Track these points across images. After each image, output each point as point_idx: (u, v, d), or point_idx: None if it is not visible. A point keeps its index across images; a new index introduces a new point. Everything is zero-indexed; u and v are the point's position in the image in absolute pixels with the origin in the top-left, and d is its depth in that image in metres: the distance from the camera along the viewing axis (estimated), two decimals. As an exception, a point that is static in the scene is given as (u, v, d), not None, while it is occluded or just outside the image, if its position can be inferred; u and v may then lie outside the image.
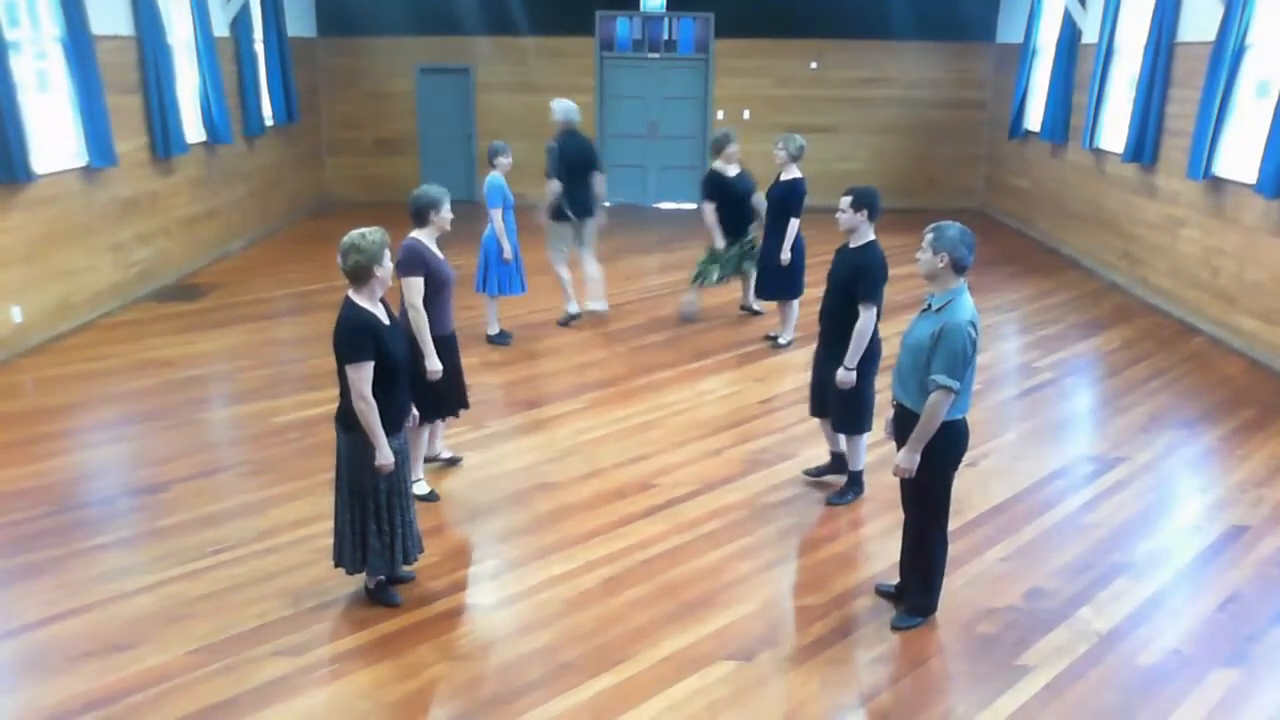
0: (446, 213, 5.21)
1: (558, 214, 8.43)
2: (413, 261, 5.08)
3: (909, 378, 4.11)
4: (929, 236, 4.03)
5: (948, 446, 4.08)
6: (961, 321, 3.93)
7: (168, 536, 5.04)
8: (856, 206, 5.13)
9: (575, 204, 8.38)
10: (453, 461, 5.88)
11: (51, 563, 4.77)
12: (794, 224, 7.72)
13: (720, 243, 8.39)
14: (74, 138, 8.44)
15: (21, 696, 3.85)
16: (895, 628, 4.33)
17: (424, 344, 5.06)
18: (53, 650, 4.12)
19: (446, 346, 5.30)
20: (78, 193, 8.47)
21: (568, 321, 8.73)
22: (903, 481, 4.23)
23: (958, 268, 3.99)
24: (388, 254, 4.09)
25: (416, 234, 5.19)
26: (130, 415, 6.65)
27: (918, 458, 4.07)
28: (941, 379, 3.91)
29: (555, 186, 8.32)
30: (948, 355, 3.91)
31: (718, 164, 8.38)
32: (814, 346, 5.62)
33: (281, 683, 3.93)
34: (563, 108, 8.36)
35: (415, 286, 5.07)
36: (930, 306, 4.07)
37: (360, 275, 4.04)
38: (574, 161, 8.30)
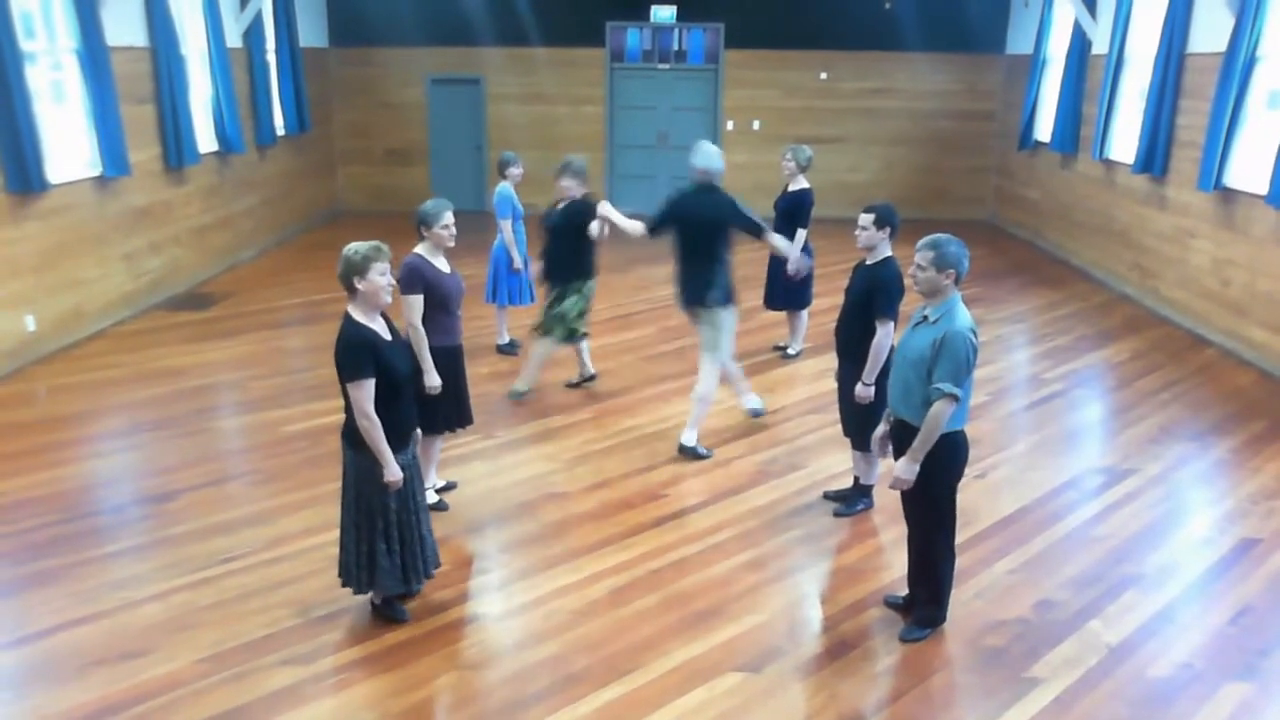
0: (441, 228, 5.07)
1: None
2: (410, 279, 5.04)
3: (913, 391, 4.09)
4: (929, 255, 4.01)
5: (949, 459, 4.09)
6: (963, 329, 3.94)
7: (177, 545, 5.06)
8: (880, 225, 5.07)
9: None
10: (447, 488, 5.71)
11: (62, 570, 4.80)
12: (801, 234, 7.72)
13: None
14: (88, 147, 8.50)
15: (31, 704, 3.87)
16: (904, 640, 4.32)
17: (423, 361, 5.01)
18: (62, 658, 4.14)
19: (452, 358, 5.27)
20: (91, 202, 8.53)
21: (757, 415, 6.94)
22: (905, 496, 4.22)
23: (958, 280, 4.03)
24: (375, 268, 3.98)
25: (418, 249, 5.14)
26: (141, 424, 6.68)
27: (917, 468, 4.06)
28: (946, 386, 3.91)
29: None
30: (951, 363, 3.92)
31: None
32: (822, 357, 5.60)
33: (289, 692, 3.94)
34: (702, 154, 6.22)
35: (413, 304, 5.02)
36: (928, 319, 4.07)
37: (346, 286, 4.03)
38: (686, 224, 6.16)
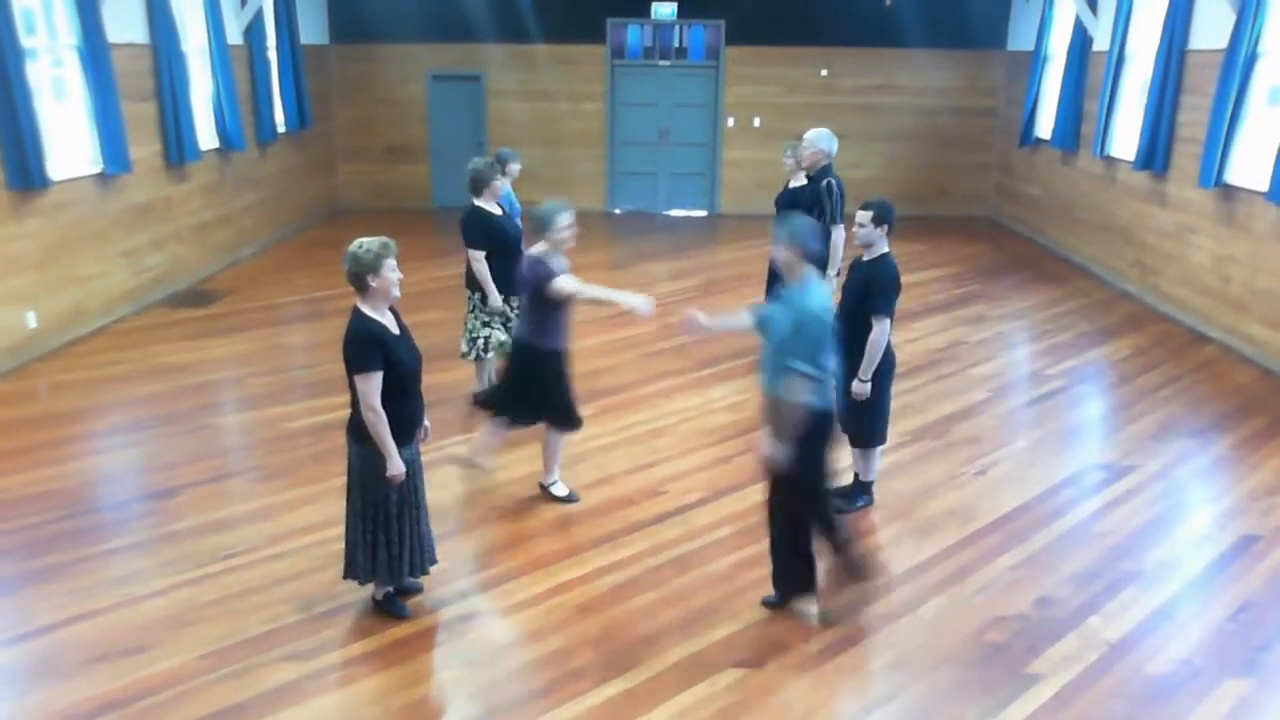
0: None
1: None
2: (545, 270, 5.10)
3: (771, 365, 4.21)
4: (782, 234, 4.23)
5: (813, 434, 4.17)
6: (815, 309, 4.09)
7: (179, 541, 5.07)
8: (877, 221, 5.08)
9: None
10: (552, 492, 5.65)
11: (64, 566, 4.81)
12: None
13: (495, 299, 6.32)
14: (89, 144, 8.51)
15: (34, 699, 3.88)
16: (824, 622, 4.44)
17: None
18: (65, 653, 4.15)
19: (566, 360, 5.39)
20: (92, 199, 8.54)
21: None
22: (775, 485, 4.33)
23: (807, 258, 4.20)
24: (387, 264, 4.02)
25: (534, 250, 5.21)
26: (142, 420, 6.69)
27: (793, 450, 4.17)
28: (798, 365, 4.05)
29: (843, 237, 6.31)
30: (808, 344, 4.06)
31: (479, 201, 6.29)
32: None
33: (291, 688, 3.95)
34: (826, 137, 6.69)
35: (565, 283, 5.09)
36: (781, 297, 4.27)
37: (357, 284, 4.03)
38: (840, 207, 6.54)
